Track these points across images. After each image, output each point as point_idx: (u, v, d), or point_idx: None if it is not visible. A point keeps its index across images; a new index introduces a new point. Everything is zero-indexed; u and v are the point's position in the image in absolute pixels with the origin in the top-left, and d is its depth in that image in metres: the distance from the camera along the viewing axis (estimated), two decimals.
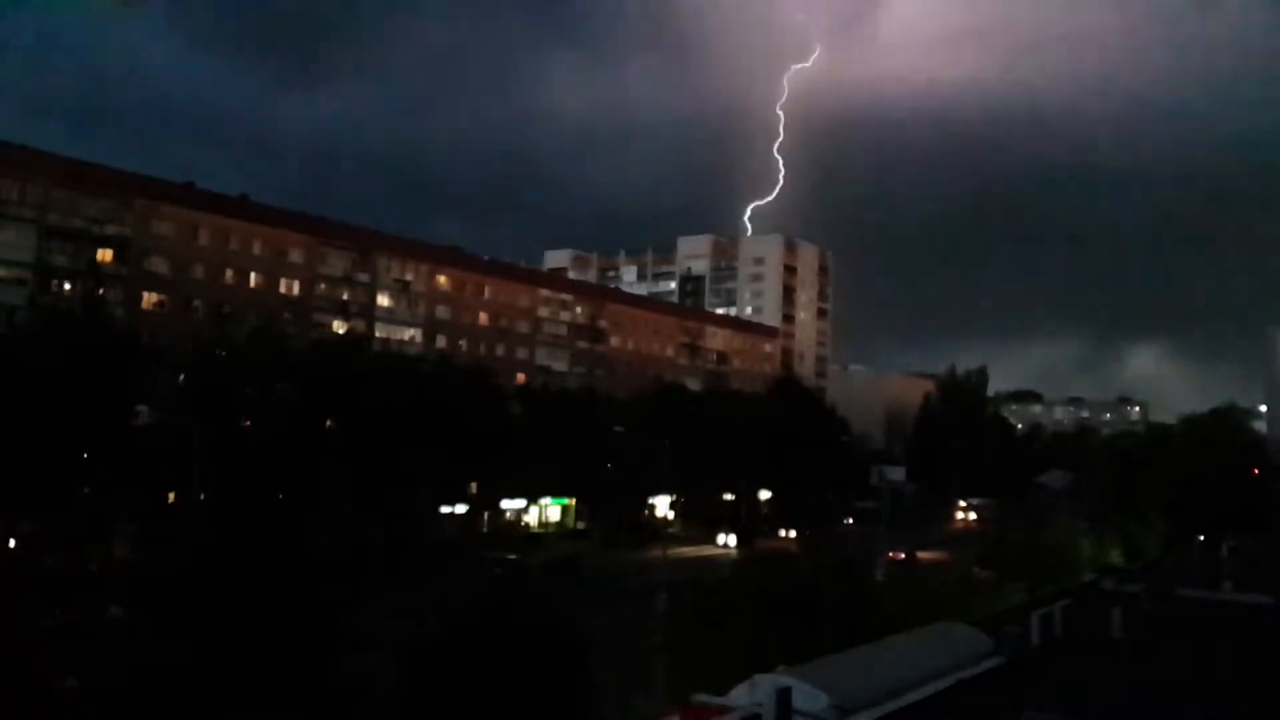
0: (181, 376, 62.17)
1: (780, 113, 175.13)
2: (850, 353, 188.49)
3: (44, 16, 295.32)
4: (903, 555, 78.76)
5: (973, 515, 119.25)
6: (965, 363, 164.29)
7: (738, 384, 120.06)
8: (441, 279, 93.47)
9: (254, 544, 27.32)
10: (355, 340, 78.22)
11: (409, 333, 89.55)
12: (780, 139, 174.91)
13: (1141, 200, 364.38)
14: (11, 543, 53.37)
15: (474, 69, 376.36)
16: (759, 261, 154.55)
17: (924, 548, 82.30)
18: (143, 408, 59.96)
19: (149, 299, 71.63)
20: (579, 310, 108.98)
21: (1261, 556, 52.11)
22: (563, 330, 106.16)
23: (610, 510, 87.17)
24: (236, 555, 26.16)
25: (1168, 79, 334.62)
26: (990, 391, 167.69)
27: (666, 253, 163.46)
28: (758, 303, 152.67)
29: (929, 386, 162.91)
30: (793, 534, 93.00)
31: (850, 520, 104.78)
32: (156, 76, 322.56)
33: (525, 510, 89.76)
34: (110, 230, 69.42)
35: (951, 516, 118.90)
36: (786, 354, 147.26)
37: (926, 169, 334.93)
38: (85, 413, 50.41)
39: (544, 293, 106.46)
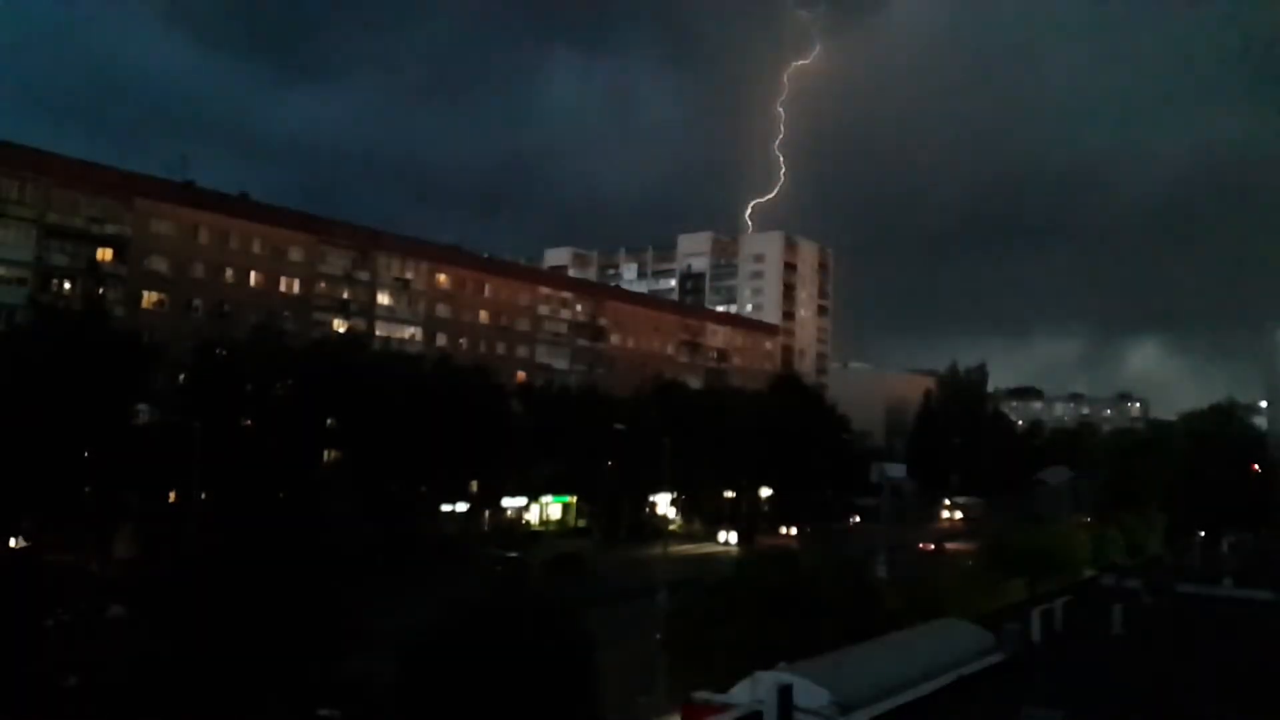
0: (182, 375, 62.15)
1: (781, 110, 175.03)
2: (851, 350, 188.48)
3: (43, 15, 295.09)
4: (932, 546, 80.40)
5: (959, 515, 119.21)
6: (966, 359, 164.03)
7: (738, 381, 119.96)
8: (441, 277, 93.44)
9: (256, 543, 27.33)
10: (355, 339, 78.17)
11: (409, 331, 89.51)
12: (780, 136, 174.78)
13: (1141, 198, 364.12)
14: (13, 541, 53.41)
15: (474, 67, 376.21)
16: (759, 259, 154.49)
17: (932, 542, 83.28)
18: (143, 407, 59.98)
19: (149, 298, 71.57)
20: (579, 308, 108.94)
21: (1262, 552, 52.20)
22: (563, 328, 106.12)
23: (611, 508, 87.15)
24: (238, 554, 26.17)
25: (1168, 75, 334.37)
26: (990, 388, 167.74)
27: (666, 250, 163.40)
28: (758, 300, 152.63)
29: (929, 383, 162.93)
30: (794, 531, 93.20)
31: (858, 519, 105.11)
32: (156, 75, 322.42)
33: (526, 508, 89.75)
34: (110, 229, 69.34)
35: (938, 516, 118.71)
36: (787, 351, 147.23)
37: (927, 166, 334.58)
38: (86, 412, 50.41)
39: (544, 290, 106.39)
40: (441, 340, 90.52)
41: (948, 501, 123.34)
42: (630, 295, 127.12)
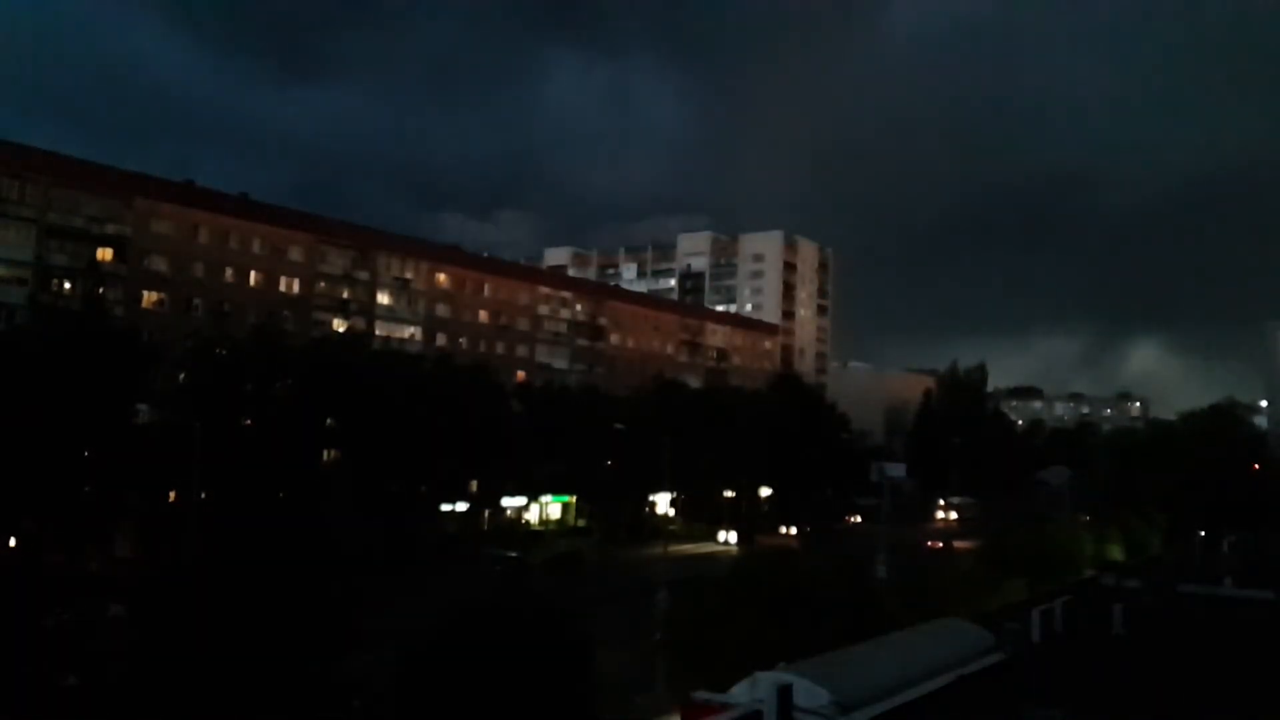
0: (182, 375, 62.15)
1: (781, 110, 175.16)
2: (850, 349, 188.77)
3: (43, 14, 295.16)
4: (940, 544, 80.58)
5: (953, 515, 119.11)
6: (965, 359, 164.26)
7: (738, 381, 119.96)
8: (441, 277, 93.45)
9: (255, 543, 27.31)
10: (355, 338, 78.14)
11: (409, 331, 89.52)
12: (781, 136, 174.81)
13: (1142, 198, 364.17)
14: (12, 541, 53.37)
15: (474, 66, 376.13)
16: (759, 258, 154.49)
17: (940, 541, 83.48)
18: (143, 406, 59.93)
19: (149, 298, 71.57)
20: (579, 308, 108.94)
21: (1262, 552, 52.20)
22: (563, 328, 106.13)
23: (611, 508, 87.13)
24: (238, 554, 26.15)
25: (1169, 75, 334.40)
26: (990, 387, 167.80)
27: (666, 250, 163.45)
28: (757, 300, 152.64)
29: (929, 383, 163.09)
30: (794, 531, 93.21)
31: (858, 518, 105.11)
32: (156, 75, 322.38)
33: (526, 508, 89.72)
34: (110, 229, 69.33)
35: (933, 516, 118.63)
36: (787, 351, 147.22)
37: (928, 166, 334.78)
38: (86, 411, 50.37)
39: (544, 290, 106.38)
40: (441, 340, 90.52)
41: (942, 501, 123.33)
42: (630, 295, 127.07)
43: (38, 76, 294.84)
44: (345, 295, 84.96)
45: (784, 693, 15.43)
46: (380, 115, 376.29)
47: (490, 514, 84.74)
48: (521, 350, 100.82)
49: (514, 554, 64.38)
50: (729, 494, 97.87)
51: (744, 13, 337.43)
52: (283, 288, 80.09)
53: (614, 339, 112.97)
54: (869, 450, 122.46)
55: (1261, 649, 24.76)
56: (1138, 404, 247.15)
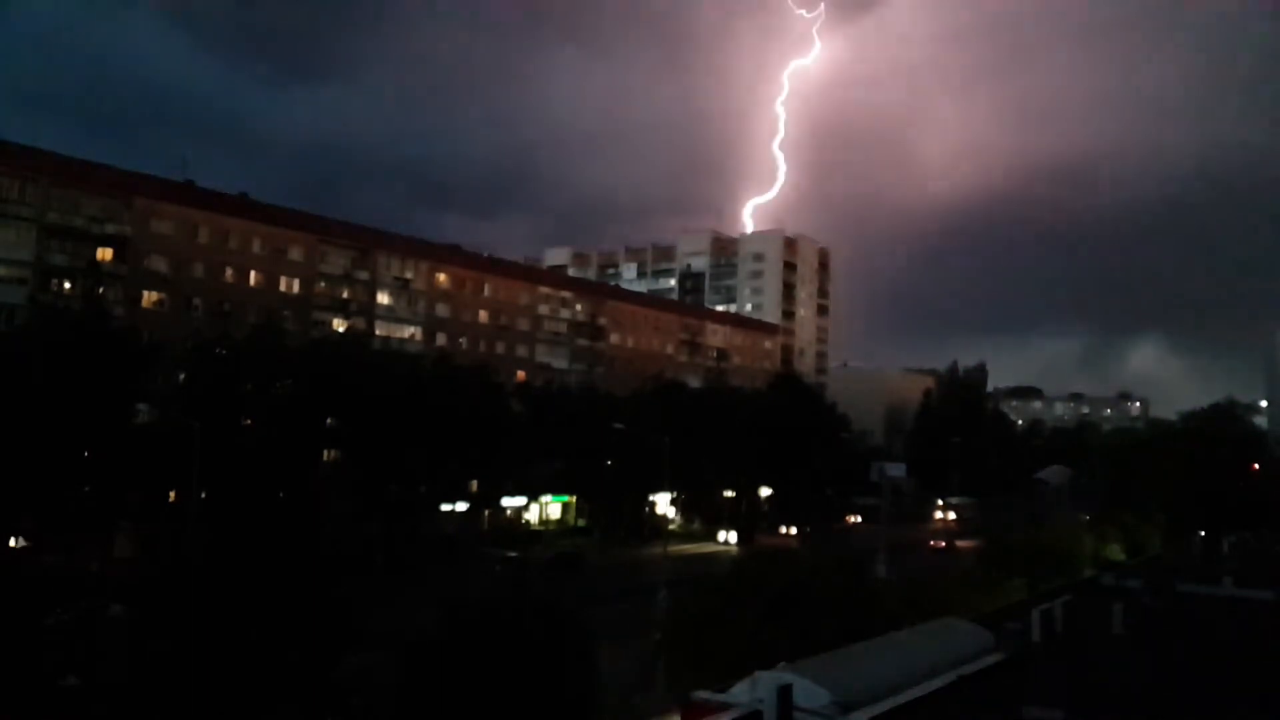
0: (182, 375, 62.13)
1: (781, 109, 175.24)
2: (850, 349, 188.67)
3: (44, 15, 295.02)
4: (943, 544, 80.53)
5: (951, 515, 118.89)
6: (966, 359, 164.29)
7: (738, 381, 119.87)
8: (441, 277, 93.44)
9: (257, 542, 27.32)
10: (355, 338, 78.12)
11: (409, 330, 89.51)
12: (781, 135, 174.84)
13: (1142, 198, 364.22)
14: (12, 541, 53.36)
15: (474, 66, 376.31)
16: (759, 258, 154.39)
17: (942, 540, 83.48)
18: (143, 406, 59.93)
19: (149, 297, 71.56)
20: (579, 307, 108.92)
21: (1262, 552, 52.21)
22: (563, 327, 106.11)
23: (611, 507, 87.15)
24: (239, 554, 26.16)
25: (1169, 75, 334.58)
26: (990, 387, 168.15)
27: (666, 250, 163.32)
28: (758, 299, 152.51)
29: (929, 383, 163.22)
30: (794, 531, 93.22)
31: (858, 518, 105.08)
32: (156, 75, 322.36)
33: (526, 508, 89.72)
34: (110, 229, 69.34)
35: (931, 516, 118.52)
36: (787, 350, 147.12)
37: (927, 165, 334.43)
38: (86, 411, 50.38)
39: (544, 290, 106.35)
40: (441, 339, 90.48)
41: (941, 501, 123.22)
42: (630, 295, 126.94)
43: (38, 76, 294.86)
44: (345, 295, 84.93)
45: (784, 693, 15.43)
46: (380, 115, 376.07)
47: (490, 514, 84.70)
48: (521, 350, 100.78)
49: (514, 554, 64.38)
50: (729, 494, 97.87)
51: (743, 12, 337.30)
52: (283, 288, 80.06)
53: (614, 339, 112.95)
54: (869, 450, 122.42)
55: (1261, 649, 24.77)
56: (1138, 404, 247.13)
